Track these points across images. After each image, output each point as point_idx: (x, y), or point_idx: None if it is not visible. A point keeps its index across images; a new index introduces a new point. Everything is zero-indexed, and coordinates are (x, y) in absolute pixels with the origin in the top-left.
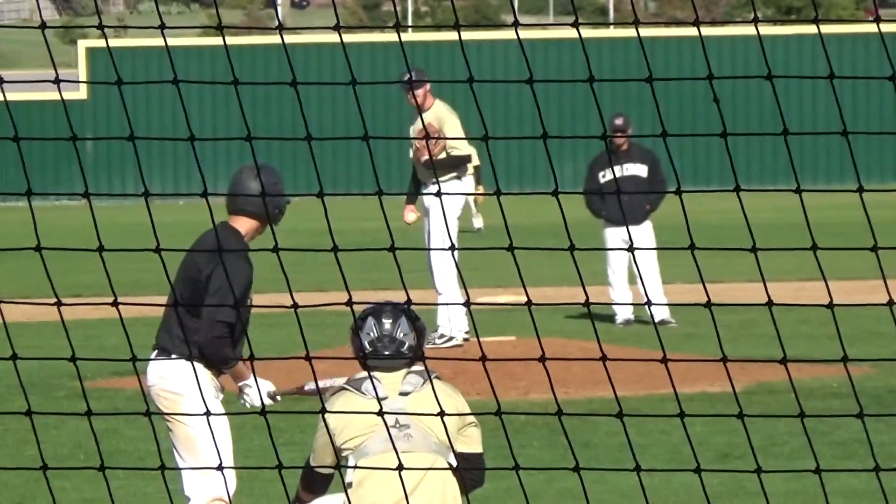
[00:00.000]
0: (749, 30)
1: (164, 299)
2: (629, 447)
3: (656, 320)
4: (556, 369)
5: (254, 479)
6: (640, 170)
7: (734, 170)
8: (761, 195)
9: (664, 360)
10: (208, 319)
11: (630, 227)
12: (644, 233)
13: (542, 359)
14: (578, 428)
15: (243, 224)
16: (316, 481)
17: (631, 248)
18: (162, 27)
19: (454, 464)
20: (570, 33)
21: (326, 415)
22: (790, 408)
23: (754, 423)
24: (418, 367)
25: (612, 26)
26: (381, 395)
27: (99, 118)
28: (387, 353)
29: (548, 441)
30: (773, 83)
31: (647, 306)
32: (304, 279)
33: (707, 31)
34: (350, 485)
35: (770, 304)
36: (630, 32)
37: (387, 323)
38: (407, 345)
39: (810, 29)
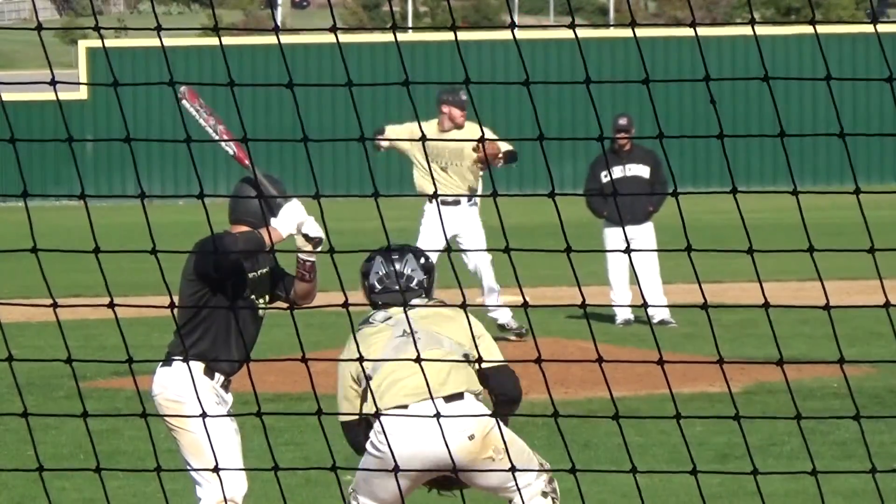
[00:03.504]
0: (750, 30)
1: (163, 300)
2: (626, 448)
3: (656, 321)
4: (555, 369)
5: (254, 479)
6: (642, 170)
7: (731, 172)
8: (762, 195)
9: (660, 362)
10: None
11: (631, 227)
12: (645, 233)
13: (539, 360)
14: (578, 428)
15: (241, 231)
16: (361, 434)
17: (628, 250)
18: (158, 28)
19: (469, 357)
20: (571, 34)
21: (344, 354)
22: (790, 407)
23: (754, 422)
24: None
25: (611, 27)
26: (385, 318)
27: (99, 118)
28: (395, 288)
29: (547, 441)
30: (769, 84)
31: (644, 307)
32: None
33: (708, 31)
34: (370, 400)
35: (767, 305)
36: (631, 32)
37: (394, 259)
38: (416, 280)
39: (811, 29)
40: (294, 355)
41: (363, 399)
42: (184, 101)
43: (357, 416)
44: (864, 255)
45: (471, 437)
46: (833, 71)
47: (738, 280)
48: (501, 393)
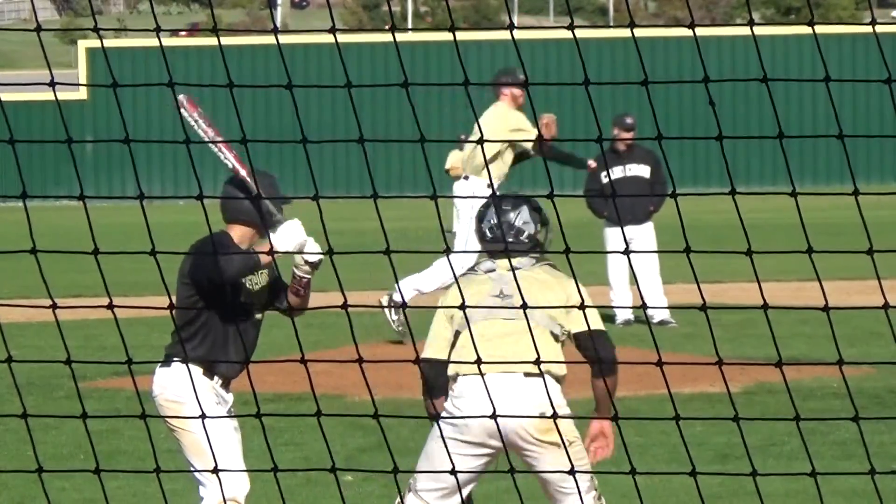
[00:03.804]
0: (756, 29)
1: (162, 300)
2: (640, 446)
3: (656, 321)
4: None
5: (254, 479)
6: (642, 170)
7: (730, 173)
8: (762, 195)
9: (659, 363)
10: (220, 266)
11: (632, 227)
12: (645, 233)
13: (538, 361)
14: (578, 428)
15: (237, 231)
16: (440, 376)
17: (627, 251)
18: (157, 30)
19: (558, 335)
20: (571, 34)
21: (445, 298)
22: (790, 407)
23: (754, 422)
24: (535, 256)
25: (611, 27)
26: (489, 269)
27: (99, 118)
28: (505, 239)
29: None
30: (768, 86)
31: (643, 308)
32: None
33: (709, 31)
34: (454, 353)
35: (766, 307)
36: (629, 33)
37: (507, 210)
38: (526, 233)
39: (811, 29)
40: (294, 355)
41: (452, 346)
42: (182, 111)
43: (441, 359)
44: (864, 255)
45: (542, 416)
46: (833, 71)
47: (738, 280)
48: (598, 358)
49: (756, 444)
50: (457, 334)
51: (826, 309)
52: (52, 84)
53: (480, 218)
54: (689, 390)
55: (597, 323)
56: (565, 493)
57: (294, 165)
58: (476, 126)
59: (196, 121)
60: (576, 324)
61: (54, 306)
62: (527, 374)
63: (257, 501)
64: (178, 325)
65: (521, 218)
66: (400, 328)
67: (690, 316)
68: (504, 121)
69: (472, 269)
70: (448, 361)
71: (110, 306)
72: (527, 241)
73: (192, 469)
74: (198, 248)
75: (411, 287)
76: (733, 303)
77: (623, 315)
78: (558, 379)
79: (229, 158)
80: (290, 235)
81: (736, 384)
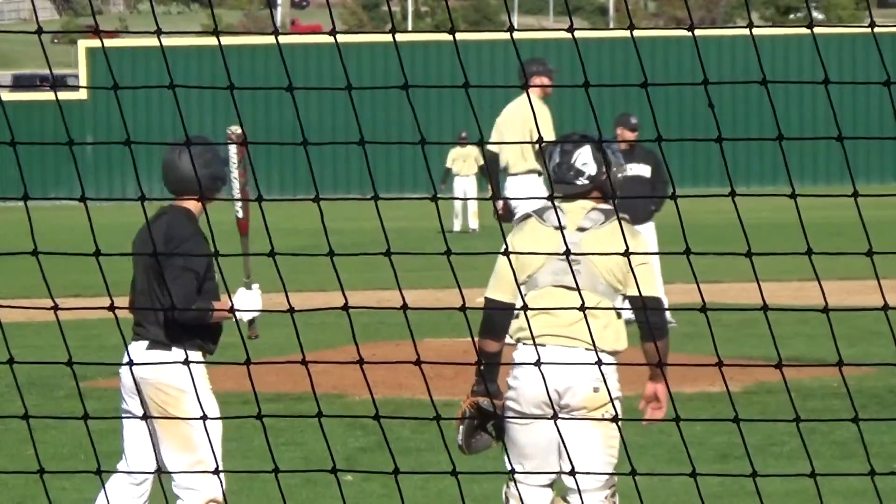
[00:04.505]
0: (755, 30)
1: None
2: (639, 446)
3: None
4: None
5: (254, 478)
6: (643, 170)
7: (730, 176)
8: (762, 196)
9: (660, 364)
10: (183, 298)
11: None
12: (646, 233)
13: (538, 363)
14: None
15: (193, 205)
16: (497, 316)
17: (627, 253)
18: (158, 32)
19: (618, 305)
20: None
21: (512, 238)
22: (790, 407)
23: (754, 422)
24: (605, 205)
25: (610, 29)
26: (560, 225)
27: (99, 118)
28: (565, 179)
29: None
30: (768, 88)
31: (644, 310)
32: (305, 279)
33: (709, 31)
34: (516, 316)
35: (765, 308)
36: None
37: (568, 149)
38: (586, 174)
39: (818, 29)
40: (294, 355)
41: (516, 287)
42: (230, 147)
43: (507, 301)
44: (863, 256)
45: (595, 390)
46: (833, 71)
47: (739, 280)
48: (650, 323)
49: (756, 444)
50: (524, 283)
51: (826, 310)
52: (54, 86)
53: (551, 154)
54: (689, 390)
55: (651, 288)
56: (582, 477)
57: (294, 165)
58: (504, 121)
59: (234, 164)
60: (631, 287)
61: (56, 308)
62: (587, 349)
63: (257, 501)
64: (161, 304)
65: (581, 158)
66: None
67: (690, 316)
68: (521, 111)
69: (540, 215)
70: (512, 308)
71: (111, 308)
72: (587, 181)
73: (167, 463)
74: (170, 228)
75: None
76: (733, 303)
77: (623, 315)
78: (616, 354)
79: (240, 210)
80: (250, 303)
81: (736, 384)
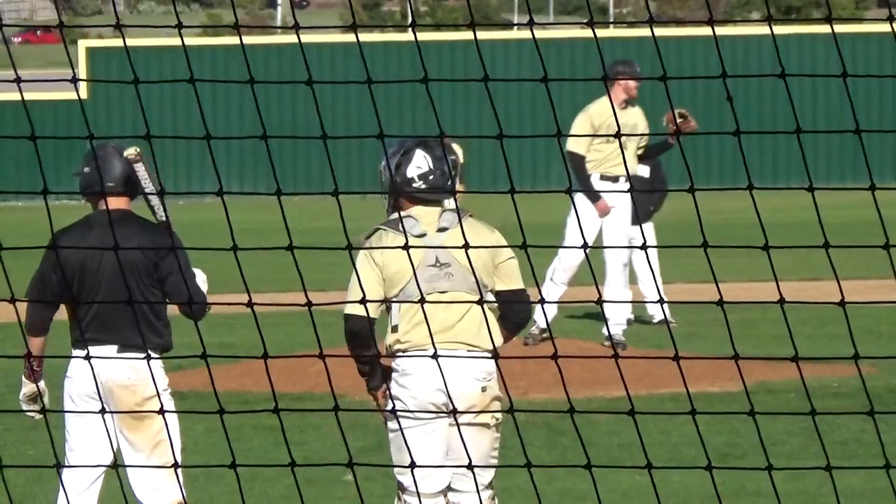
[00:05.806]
0: (754, 29)
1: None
2: (638, 446)
3: (657, 320)
4: (554, 369)
5: (254, 479)
6: (642, 169)
7: (725, 173)
8: (762, 194)
9: (676, 358)
10: (195, 293)
11: (632, 227)
12: (646, 232)
13: (555, 356)
14: (578, 427)
15: (123, 201)
16: (363, 330)
17: (630, 248)
18: (159, 28)
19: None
20: (570, 33)
21: (371, 255)
22: (790, 408)
23: (754, 422)
24: (451, 204)
25: (611, 26)
26: (419, 232)
27: (99, 118)
28: (437, 185)
29: (547, 441)
30: (784, 80)
31: (646, 305)
32: (306, 278)
33: (707, 31)
34: (395, 328)
35: (782, 301)
36: (632, 32)
37: (438, 154)
38: (449, 178)
39: (811, 29)
40: (294, 355)
41: (387, 307)
42: (136, 166)
43: (373, 318)
44: (864, 256)
45: (483, 389)
46: (834, 70)
47: (739, 280)
48: (514, 317)
49: (756, 444)
50: (394, 297)
51: (842, 304)
52: (74, 80)
53: (400, 165)
54: (689, 390)
55: (517, 281)
56: (468, 478)
57: (294, 165)
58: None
59: (144, 176)
60: (501, 282)
61: (13, 299)
62: (469, 350)
63: (257, 501)
64: (163, 316)
65: (446, 162)
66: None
67: (690, 316)
68: (586, 115)
69: (392, 227)
70: (373, 321)
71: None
72: (451, 185)
73: (134, 463)
74: (153, 228)
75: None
76: (739, 300)
77: (623, 315)
78: (495, 353)
79: (161, 212)
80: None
81: (736, 383)
